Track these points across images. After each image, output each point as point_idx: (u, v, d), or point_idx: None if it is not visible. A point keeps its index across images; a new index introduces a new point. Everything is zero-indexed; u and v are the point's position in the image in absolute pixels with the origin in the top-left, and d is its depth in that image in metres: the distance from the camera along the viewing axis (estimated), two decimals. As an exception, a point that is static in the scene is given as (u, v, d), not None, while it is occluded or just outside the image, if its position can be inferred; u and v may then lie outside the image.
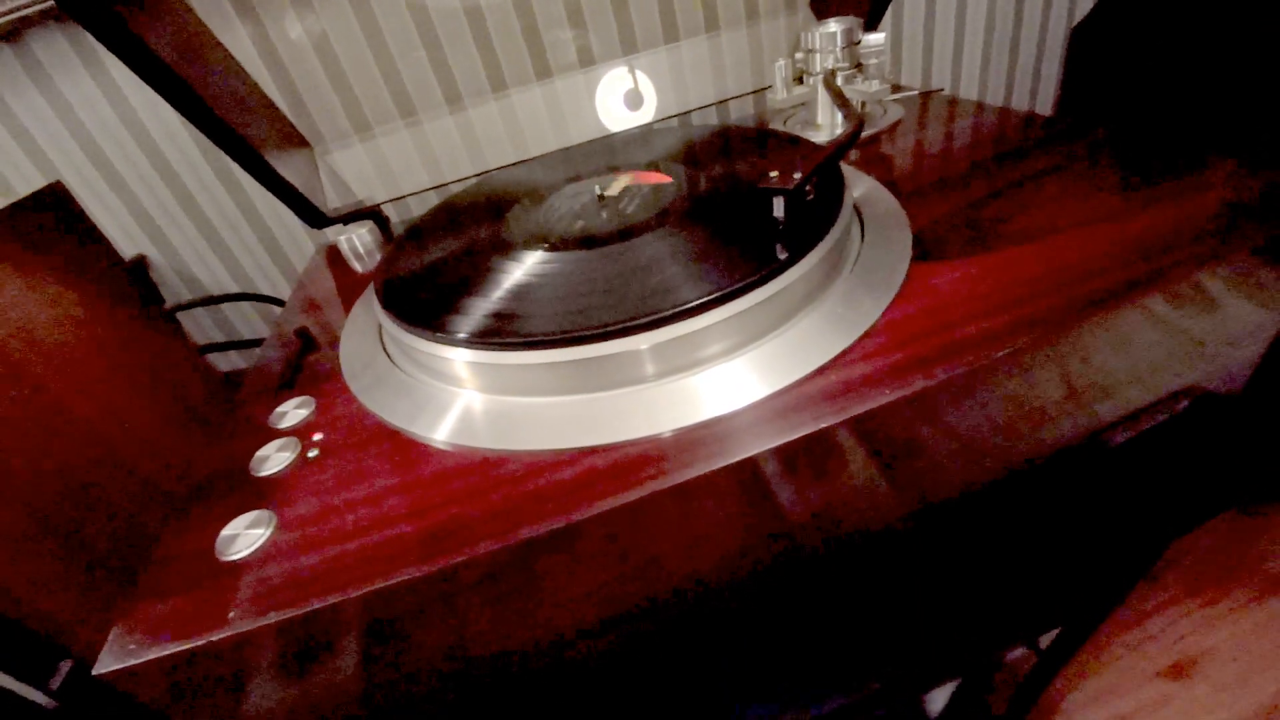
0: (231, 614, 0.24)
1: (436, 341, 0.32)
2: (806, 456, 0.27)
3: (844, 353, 0.29)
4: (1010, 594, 0.49)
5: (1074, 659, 0.90)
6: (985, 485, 0.35)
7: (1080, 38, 0.88)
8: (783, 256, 0.30)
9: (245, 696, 0.27)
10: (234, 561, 0.26)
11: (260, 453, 0.32)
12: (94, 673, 0.24)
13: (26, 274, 0.36)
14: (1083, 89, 0.92)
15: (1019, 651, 0.74)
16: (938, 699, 0.74)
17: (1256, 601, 0.94)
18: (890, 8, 0.85)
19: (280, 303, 0.72)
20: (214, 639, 0.24)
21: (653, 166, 0.45)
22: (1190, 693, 0.84)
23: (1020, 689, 0.72)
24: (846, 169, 0.46)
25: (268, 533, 0.27)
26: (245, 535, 0.27)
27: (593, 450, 0.27)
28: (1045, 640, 0.65)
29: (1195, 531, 1.02)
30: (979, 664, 0.76)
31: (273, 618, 0.24)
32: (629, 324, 0.28)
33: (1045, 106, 1.01)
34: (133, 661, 0.24)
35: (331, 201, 0.63)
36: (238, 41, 0.64)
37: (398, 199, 0.70)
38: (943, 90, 0.61)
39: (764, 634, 0.38)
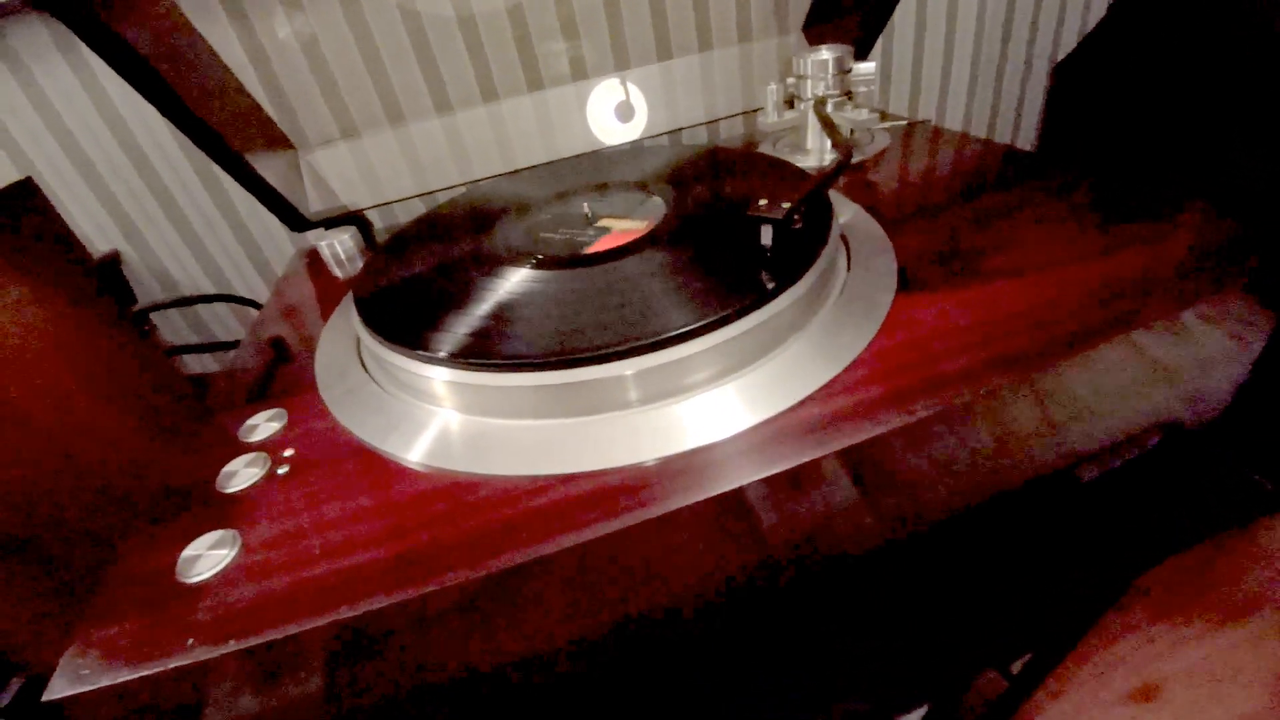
0: (190, 641, 0.23)
1: (415, 358, 0.31)
2: (787, 489, 0.26)
3: (828, 384, 0.29)
4: (982, 620, 0.49)
5: (1042, 683, 0.91)
6: (959, 514, 0.35)
7: (1062, 75, 0.90)
8: (770, 285, 0.30)
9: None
10: (195, 584, 0.25)
11: (228, 468, 0.31)
12: (44, 698, 0.23)
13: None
14: (1063, 125, 0.94)
15: (989, 675, 0.74)
16: (908, 723, 0.74)
17: (1221, 626, 0.96)
18: (881, 37, 0.86)
19: (257, 305, 0.70)
20: (171, 666, 0.23)
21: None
22: (1157, 716, 0.85)
23: (990, 713, 0.72)
24: (834, 195, 0.46)
25: (231, 554, 0.26)
26: (208, 556, 0.26)
27: (571, 477, 0.27)
28: (1016, 666, 0.65)
29: (1165, 562, 1.04)
30: (949, 688, 0.76)
31: (233, 646, 0.23)
32: (615, 349, 0.28)
33: (1027, 139, 1.03)
34: (85, 688, 0.23)
35: (314, 205, 0.62)
36: (224, 40, 0.63)
37: (382, 205, 0.69)
38: (928, 121, 0.62)
39: (737, 659, 0.38)
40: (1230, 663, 1.00)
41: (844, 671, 0.47)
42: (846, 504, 0.30)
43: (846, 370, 0.29)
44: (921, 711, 0.76)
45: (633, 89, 0.72)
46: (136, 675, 0.23)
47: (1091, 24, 0.92)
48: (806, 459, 0.25)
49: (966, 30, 0.89)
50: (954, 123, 0.98)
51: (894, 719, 0.74)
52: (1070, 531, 0.43)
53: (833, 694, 0.50)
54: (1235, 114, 0.66)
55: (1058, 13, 0.93)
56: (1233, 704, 0.72)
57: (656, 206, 0.41)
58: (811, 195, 0.32)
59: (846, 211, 0.43)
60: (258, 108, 0.62)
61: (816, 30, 0.73)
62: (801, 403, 0.28)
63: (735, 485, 0.25)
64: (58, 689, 0.23)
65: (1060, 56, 0.93)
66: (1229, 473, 0.52)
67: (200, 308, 0.78)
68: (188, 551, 0.26)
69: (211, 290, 0.77)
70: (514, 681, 0.30)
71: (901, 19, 0.86)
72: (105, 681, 0.23)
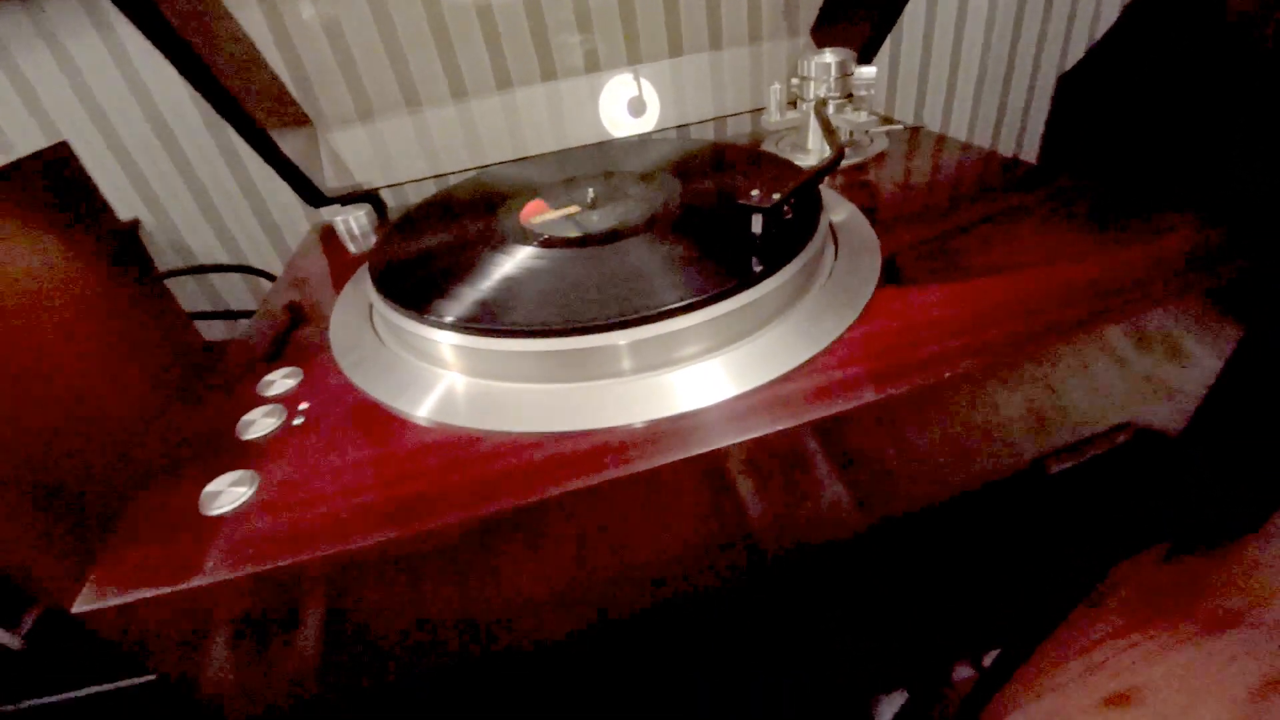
0: (209, 564, 0.25)
1: (426, 324, 0.33)
2: (764, 455, 0.29)
3: (808, 362, 0.31)
4: (954, 609, 0.51)
5: (1021, 684, 0.93)
6: (930, 503, 0.37)
7: (1066, 86, 0.92)
8: (758, 269, 0.32)
9: (216, 648, 0.28)
10: (215, 516, 0.28)
11: (246, 417, 0.33)
12: (73, 610, 0.25)
13: (23, 230, 0.37)
14: (1066, 135, 0.95)
15: (966, 672, 0.76)
16: (885, 714, 0.77)
17: (1199, 638, 0.98)
18: (890, 43, 0.88)
19: (271, 277, 0.73)
20: (192, 585, 0.25)
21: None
22: (1132, 722, 0.87)
23: (962, 707, 0.74)
24: (829, 193, 0.48)
25: (250, 492, 0.28)
26: (228, 493, 0.28)
27: (566, 435, 0.29)
28: (988, 659, 0.67)
29: (1145, 567, 1.06)
30: (924, 678, 0.78)
31: (248, 570, 0.25)
32: (610, 320, 0.30)
33: (1032, 147, 1.04)
34: (112, 602, 0.25)
35: (330, 182, 0.65)
36: (250, 17, 0.65)
37: (395, 185, 0.72)
38: (923, 126, 0.64)
39: (718, 633, 0.40)
40: (1208, 675, 1.02)
41: (821, 656, 0.49)
42: (822, 481, 0.32)
43: (825, 352, 0.32)
44: (900, 700, 0.78)
45: (644, 83, 0.74)
46: (159, 593, 0.25)
47: (1099, 35, 0.94)
48: (781, 427, 0.28)
49: (974, 38, 0.91)
50: (959, 129, 0.99)
51: (873, 708, 0.76)
52: (1040, 522, 0.45)
53: (810, 678, 0.52)
54: (1236, 125, 0.68)
55: (1065, 24, 0.94)
56: (1208, 715, 0.74)
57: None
58: (801, 189, 0.34)
59: (840, 208, 0.45)
60: (281, 86, 0.64)
61: (824, 33, 0.75)
62: (782, 378, 0.30)
63: (714, 447, 0.27)
64: (85, 602, 0.25)
65: (1068, 67, 0.95)
66: (1195, 474, 0.54)
67: (214, 277, 0.80)
68: (210, 487, 0.29)
69: (226, 261, 0.80)
70: (503, 639, 0.32)
71: (910, 25, 0.88)
72: (130, 597, 0.25)
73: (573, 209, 0.42)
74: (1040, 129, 1.02)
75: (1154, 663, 0.98)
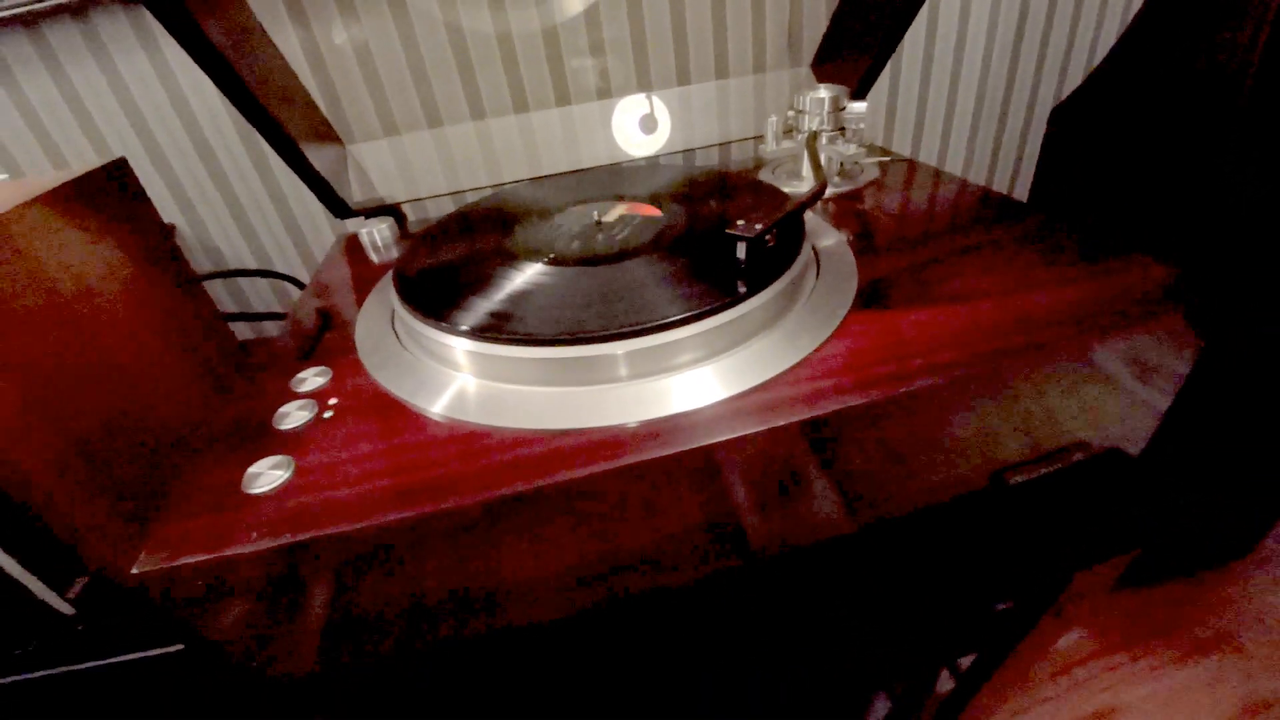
0: (253, 533, 0.29)
1: (443, 330, 0.37)
2: (744, 454, 0.32)
3: (785, 373, 0.35)
4: (925, 611, 0.54)
5: (999, 697, 0.96)
6: (898, 509, 0.40)
7: (1058, 120, 0.95)
8: (742, 291, 0.36)
9: (253, 612, 0.32)
10: (256, 494, 0.32)
11: (282, 409, 0.37)
12: (132, 570, 0.29)
13: (89, 234, 0.42)
14: (1057, 169, 0.99)
15: (945, 677, 0.79)
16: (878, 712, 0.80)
17: (1180, 663, 1.00)
18: (889, 76, 0.92)
19: (296, 282, 0.77)
20: (237, 552, 0.29)
21: (652, 200, 0.51)
22: (1110, 740, 0.90)
23: (940, 710, 0.77)
24: (817, 219, 0.52)
25: (287, 474, 0.32)
26: (268, 474, 0.32)
27: (566, 432, 0.33)
28: (964, 665, 0.70)
29: (1129, 590, 1.08)
30: (909, 685, 0.81)
31: (287, 539, 0.29)
32: (609, 332, 0.34)
33: (1025, 182, 1.08)
34: (169, 564, 0.29)
35: (356, 195, 0.69)
36: (286, 40, 0.70)
37: (415, 200, 0.76)
38: (912, 159, 0.68)
39: (711, 623, 0.43)
40: (1189, 698, 1.05)
41: (809, 651, 0.52)
42: (798, 488, 0.35)
43: (801, 364, 0.35)
44: (884, 708, 0.81)
45: (654, 107, 0.79)
46: (208, 557, 0.29)
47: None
48: (760, 428, 0.31)
49: (971, 75, 0.95)
50: (955, 164, 1.03)
51: (869, 706, 0.79)
52: (1000, 532, 0.48)
53: (806, 673, 0.55)
54: (1203, 178, 0.71)
55: (1061, 60, 0.98)
56: (1178, 740, 0.76)
57: (656, 217, 0.47)
58: (783, 220, 0.38)
59: (825, 233, 0.49)
60: (312, 103, 0.69)
61: (825, 67, 0.79)
62: (761, 386, 0.34)
63: (700, 444, 0.31)
64: (144, 563, 0.29)
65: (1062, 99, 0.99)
66: (1164, 490, 0.57)
67: (242, 281, 0.85)
68: (252, 469, 0.33)
69: (253, 265, 0.84)
70: (511, 615, 0.36)
71: (909, 61, 0.92)
72: (184, 560, 0.29)
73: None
74: (1035, 166, 1.06)
75: (1136, 684, 1.01)
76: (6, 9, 0.64)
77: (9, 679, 0.44)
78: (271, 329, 0.86)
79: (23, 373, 0.35)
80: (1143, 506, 0.51)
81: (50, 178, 0.42)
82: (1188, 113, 0.73)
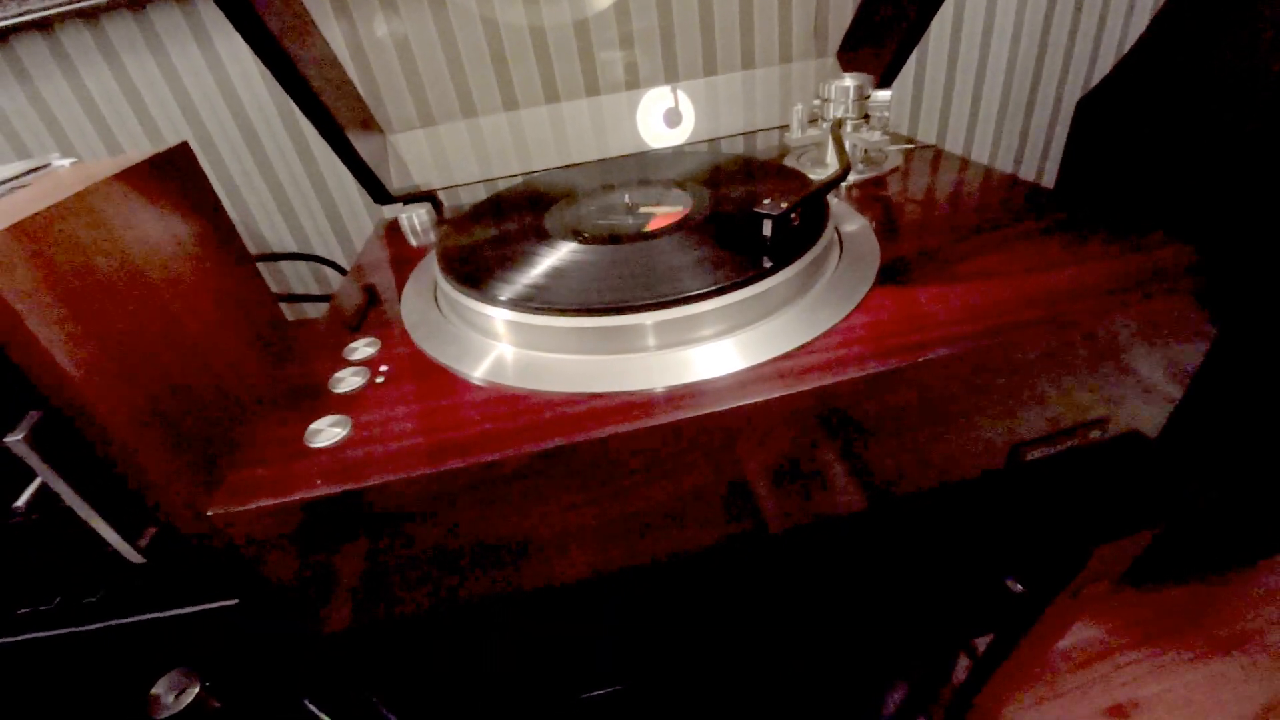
0: (318, 480, 0.32)
1: (484, 302, 0.40)
2: (764, 421, 0.34)
3: (806, 344, 0.37)
4: (942, 591, 0.56)
5: (1017, 687, 0.96)
6: (915, 485, 0.42)
7: (1084, 110, 0.95)
8: (766, 266, 0.38)
9: (314, 556, 0.35)
10: (318, 448, 0.35)
11: (337, 375, 0.40)
12: (207, 511, 0.32)
13: (159, 211, 0.45)
14: (1085, 158, 0.99)
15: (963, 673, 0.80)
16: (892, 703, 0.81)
17: (1201, 660, 1.00)
18: (914, 65, 0.93)
19: (337, 266, 0.81)
20: (305, 496, 0.32)
21: (678, 184, 0.53)
22: (1130, 734, 0.91)
23: (956, 692, 0.78)
24: (841, 204, 0.54)
25: (345, 431, 0.35)
26: (328, 431, 0.35)
27: (598, 395, 0.35)
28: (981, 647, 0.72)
29: (1152, 587, 1.08)
30: (925, 670, 0.83)
31: (350, 485, 0.32)
32: (638, 304, 0.36)
33: (1052, 171, 1.08)
34: (240, 507, 0.32)
35: (395, 181, 0.72)
36: (331, 33, 0.73)
37: (450, 187, 0.79)
38: (936, 146, 0.69)
39: (728, 596, 0.45)
40: (1210, 695, 1.04)
41: (825, 634, 0.54)
42: (813, 462, 0.37)
43: (822, 336, 0.37)
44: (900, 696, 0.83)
45: (680, 99, 0.81)
46: (278, 501, 0.32)
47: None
48: (780, 394, 0.33)
49: (998, 66, 0.95)
50: (980, 154, 1.04)
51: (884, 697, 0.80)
52: (1017, 508, 0.49)
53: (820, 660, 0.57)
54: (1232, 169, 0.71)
55: (1090, 51, 0.98)
56: (1197, 734, 0.77)
57: (685, 200, 0.49)
58: (807, 200, 0.40)
59: (849, 219, 0.51)
60: (356, 93, 0.72)
61: (850, 55, 0.80)
62: (783, 356, 0.36)
63: (722, 408, 0.33)
64: (219, 504, 0.32)
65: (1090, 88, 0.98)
66: (1175, 473, 0.58)
67: (284, 264, 0.89)
68: (314, 426, 0.36)
69: (293, 249, 0.88)
70: (543, 571, 0.38)
71: (935, 50, 0.92)
72: (257, 504, 0.32)
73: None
74: (1061, 155, 1.06)
75: (1156, 680, 1.01)
76: (69, 4, 0.68)
77: (76, 629, 0.48)
78: (311, 310, 0.90)
79: (105, 337, 0.38)
80: (1161, 487, 0.52)
81: (120, 159, 0.45)
82: (1215, 104, 0.73)
